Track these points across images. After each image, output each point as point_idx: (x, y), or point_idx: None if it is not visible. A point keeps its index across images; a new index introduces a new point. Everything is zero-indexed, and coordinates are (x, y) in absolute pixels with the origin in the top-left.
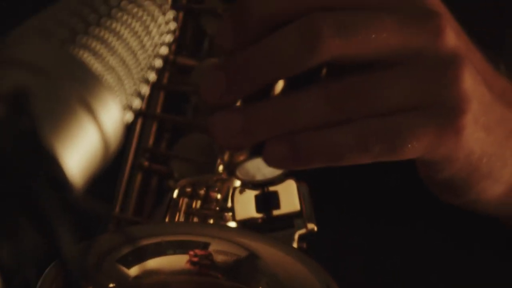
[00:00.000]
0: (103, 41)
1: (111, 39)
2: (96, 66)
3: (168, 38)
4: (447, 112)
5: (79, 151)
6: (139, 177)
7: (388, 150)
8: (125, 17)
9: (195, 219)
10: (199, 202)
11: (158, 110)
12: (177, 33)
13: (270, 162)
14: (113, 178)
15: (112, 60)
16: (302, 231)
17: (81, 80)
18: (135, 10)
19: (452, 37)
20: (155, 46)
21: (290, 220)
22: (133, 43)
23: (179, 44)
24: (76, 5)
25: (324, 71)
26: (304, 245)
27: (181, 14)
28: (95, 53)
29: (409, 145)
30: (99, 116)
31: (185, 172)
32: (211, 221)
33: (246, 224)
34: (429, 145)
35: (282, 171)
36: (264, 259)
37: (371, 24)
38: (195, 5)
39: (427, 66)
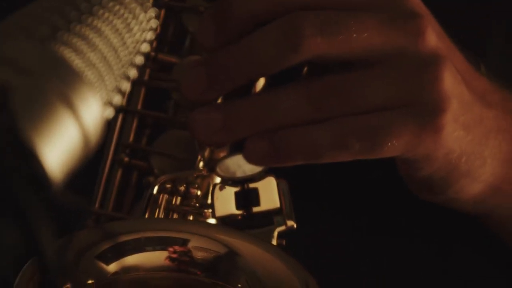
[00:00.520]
0: (84, 38)
1: (92, 36)
2: (76, 62)
3: (149, 35)
4: (427, 111)
5: (59, 147)
6: (119, 173)
7: (367, 148)
8: (106, 15)
9: (175, 216)
10: (179, 199)
11: (139, 106)
12: (158, 30)
13: (250, 159)
14: (93, 174)
15: (93, 57)
16: (282, 228)
17: (62, 76)
18: (116, 7)
19: (433, 37)
20: (136, 43)
21: (270, 217)
22: (114, 40)
23: (161, 41)
24: (58, 3)
25: (305, 69)
26: (284, 242)
27: (162, 12)
28: (76, 50)
29: (389, 144)
30: (79, 112)
31: (165, 168)
32: (191, 218)
33: (225, 221)
34: (409, 143)
35: (262, 168)
36: (243, 256)
37: (352, 23)
38: (177, 2)
39: (407, 65)
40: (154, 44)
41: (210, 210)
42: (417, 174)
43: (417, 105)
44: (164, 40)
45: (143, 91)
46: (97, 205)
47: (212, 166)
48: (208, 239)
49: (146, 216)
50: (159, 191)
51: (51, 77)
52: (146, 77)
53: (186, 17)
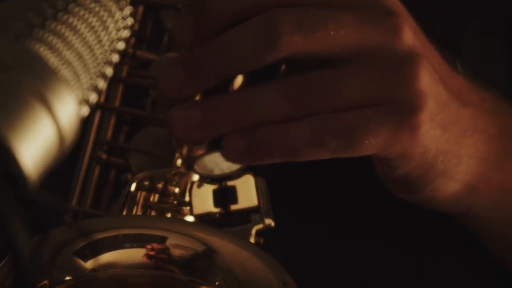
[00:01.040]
0: (60, 36)
1: (68, 33)
2: (52, 60)
3: (126, 33)
4: (403, 109)
5: (34, 145)
6: (96, 170)
7: (344, 146)
8: (82, 12)
9: (153, 213)
10: (157, 196)
11: (117, 103)
12: (136, 26)
13: (228, 157)
14: (70, 171)
15: (69, 55)
16: (260, 226)
17: (37, 73)
18: (92, 5)
19: (410, 35)
20: (112, 41)
21: (248, 215)
22: (90, 37)
23: (139, 38)
24: (33, 0)
25: (283, 67)
26: (261, 241)
27: (141, 8)
28: (51, 47)
29: (366, 142)
30: (55, 109)
31: (143, 166)
32: (169, 215)
33: (203, 219)
34: (386, 141)
35: (240, 166)
36: (221, 254)
37: (330, 21)
38: None
39: (384, 63)
40: (132, 41)
41: (188, 208)
42: (394, 173)
43: (394, 103)
44: (143, 37)
45: (121, 88)
46: (74, 202)
47: (190, 164)
48: (186, 237)
49: (124, 213)
50: (137, 188)
51: (27, 74)
52: (124, 74)
53: (164, 14)
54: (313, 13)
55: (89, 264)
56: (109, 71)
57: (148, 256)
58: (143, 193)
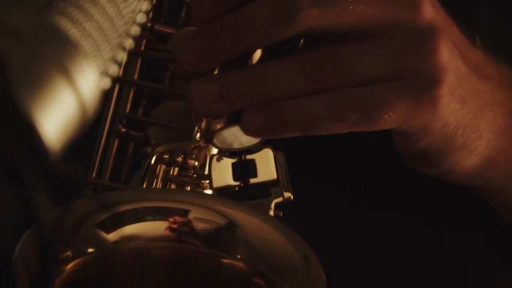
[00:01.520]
0: (80, 7)
1: (88, 5)
2: (72, 32)
3: (145, 5)
4: (423, 83)
5: (56, 116)
6: (115, 143)
7: (363, 120)
8: None
9: (173, 186)
10: (176, 169)
11: (136, 76)
12: (154, 1)
13: (246, 131)
14: (90, 144)
15: (89, 26)
16: (279, 199)
17: (58, 45)
18: None
19: (429, 9)
20: (132, 13)
21: (267, 188)
22: (110, 9)
23: (157, 12)
24: None
25: (301, 41)
26: (281, 214)
27: None
28: (72, 19)
29: (385, 116)
30: (76, 81)
31: (162, 139)
32: (188, 188)
33: (223, 192)
34: (405, 115)
35: (259, 140)
36: (242, 227)
37: None
38: None
39: (404, 37)
40: (150, 15)
41: (207, 181)
42: (413, 146)
43: (414, 77)
44: (160, 11)
45: (139, 61)
46: (94, 175)
47: (209, 137)
48: (208, 210)
49: (144, 186)
50: (156, 162)
51: (47, 46)
52: (142, 48)
53: None
54: None
55: (111, 237)
56: (129, 43)
57: (170, 229)
58: (163, 167)
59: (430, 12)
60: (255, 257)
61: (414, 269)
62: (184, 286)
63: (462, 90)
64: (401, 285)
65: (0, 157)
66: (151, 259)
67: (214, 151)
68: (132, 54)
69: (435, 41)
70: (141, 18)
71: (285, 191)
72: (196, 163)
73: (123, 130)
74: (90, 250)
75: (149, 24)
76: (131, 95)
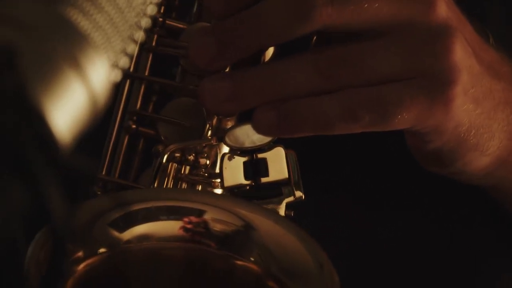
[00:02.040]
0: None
1: None
2: (83, 24)
3: None
4: (437, 83)
5: (67, 109)
6: (125, 140)
7: (377, 120)
8: None
9: (184, 185)
10: (187, 168)
11: (146, 72)
12: None
13: (258, 129)
14: (100, 141)
15: (100, 18)
16: (290, 198)
17: (69, 37)
18: None
19: (444, 8)
20: (143, 4)
21: (278, 187)
22: (121, 1)
23: (168, 7)
24: None
25: (314, 38)
26: (292, 213)
27: None
28: (82, 11)
29: (399, 116)
30: (87, 73)
31: (172, 136)
32: (200, 187)
33: (234, 191)
34: (419, 116)
35: (271, 138)
36: (258, 230)
37: None
38: None
39: (418, 36)
40: (162, 9)
41: (218, 180)
42: (426, 147)
43: (428, 77)
44: (172, 5)
45: (150, 57)
46: (103, 172)
47: (221, 136)
48: (224, 211)
49: (155, 185)
50: (168, 160)
51: (58, 38)
52: (153, 43)
53: None
54: None
55: (124, 236)
56: (140, 35)
57: (184, 229)
58: (174, 165)
59: (444, 10)
60: (269, 260)
61: (425, 266)
62: (197, 286)
63: (475, 90)
64: (413, 282)
65: (11, 150)
66: (162, 259)
67: (226, 149)
68: (143, 49)
69: (449, 40)
70: (152, 10)
71: (297, 190)
72: (208, 162)
73: (134, 126)
74: (102, 249)
75: (160, 19)
76: (141, 91)
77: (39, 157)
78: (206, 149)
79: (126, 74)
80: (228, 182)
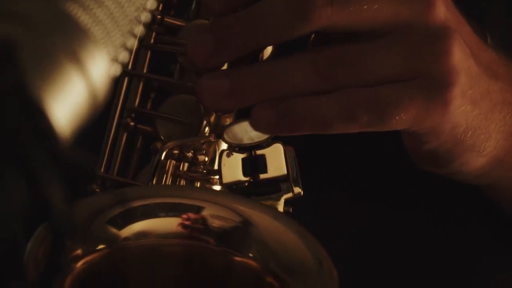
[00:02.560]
0: None
1: None
2: (83, 18)
3: None
4: (435, 84)
5: (67, 103)
6: (124, 137)
7: (375, 121)
8: None
9: (182, 182)
10: (186, 165)
11: (145, 70)
12: None
13: (256, 127)
14: (98, 138)
15: (100, 13)
16: (289, 195)
17: (69, 32)
18: None
19: (443, 9)
20: None
21: (277, 184)
22: None
23: (167, 4)
24: None
25: (312, 36)
26: (291, 210)
27: None
28: (82, 6)
29: (397, 117)
30: (87, 68)
31: (170, 133)
32: (198, 184)
33: (232, 188)
34: (416, 117)
35: (269, 135)
36: (257, 226)
37: None
38: None
39: (417, 38)
40: (160, 7)
41: (217, 177)
42: (423, 147)
43: (426, 78)
44: (170, 3)
45: (148, 54)
46: (102, 169)
47: (219, 132)
48: (222, 208)
49: (154, 182)
50: (166, 157)
51: (58, 33)
52: (151, 41)
53: None
54: None
55: (123, 233)
56: (140, 30)
57: (183, 225)
58: (173, 162)
59: (443, 11)
60: (267, 256)
61: (421, 265)
62: (195, 283)
63: (473, 91)
64: (410, 282)
65: (11, 145)
66: (161, 256)
67: (224, 146)
68: (141, 47)
69: (448, 42)
70: (151, 4)
71: (295, 187)
72: (206, 159)
73: (132, 124)
74: (101, 246)
75: (159, 17)
76: (140, 88)
77: (39, 151)
78: (204, 146)
79: (124, 71)
80: (227, 178)
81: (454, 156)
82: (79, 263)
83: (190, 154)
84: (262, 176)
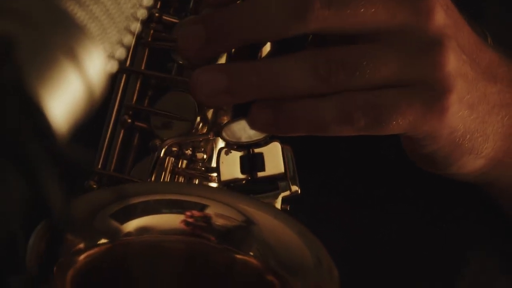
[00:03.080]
0: None
1: None
2: (79, 15)
3: None
4: (433, 91)
5: (64, 99)
6: (121, 134)
7: (372, 125)
8: None
9: (181, 179)
10: (185, 162)
11: (142, 67)
12: None
13: (253, 126)
14: (95, 135)
15: (96, 9)
16: (286, 193)
17: (65, 29)
18: None
19: (441, 15)
20: None
21: (275, 182)
22: None
23: (165, 2)
24: None
25: (310, 37)
26: (288, 208)
27: None
28: (78, 2)
29: (394, 122)
30: (83, 64)
31: (168, 130)
32: (197, 181)
33: (230, 185)
34: (414, 122)
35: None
36: (258, 225)
37: None
38: None
39: (413, 44)
40: (159, 5)
41: (215, 174)
42: (421, 150)
43: (423, 84)
44: (169, 1)
45: (146, 51)
46: (99, 165)
47: (217, 130)
48: (226, 206)
49: (153, 179)
50: (165, 154)
51: (55, 29)
52: (149, 38)
53: None
54: None
55: (125, 228)
56: (136, 26)
57: (185, 222)
58: (171, 159)
59: (442, 17)
60: (268, 255)
61: (419, 267)
62: (197, 280)
63: (471, 96)
64: (408, 283)
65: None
66: (163, 252)
67: (222, 144)
68: (139, 44)
69: (443, 49)
70: (147, 1)
71: (293, 185)
72: (205, 156)
73: (129, 120)
74: (103, 241)
75: (157, 15)
76: (137, 85)
77: (37, 149)
78: (203, 144)
79: (122, 68)
80: (225, 176)
81: (452, 159)
82: (81, 257)
83: (188, 152)
84: (260, 174)
